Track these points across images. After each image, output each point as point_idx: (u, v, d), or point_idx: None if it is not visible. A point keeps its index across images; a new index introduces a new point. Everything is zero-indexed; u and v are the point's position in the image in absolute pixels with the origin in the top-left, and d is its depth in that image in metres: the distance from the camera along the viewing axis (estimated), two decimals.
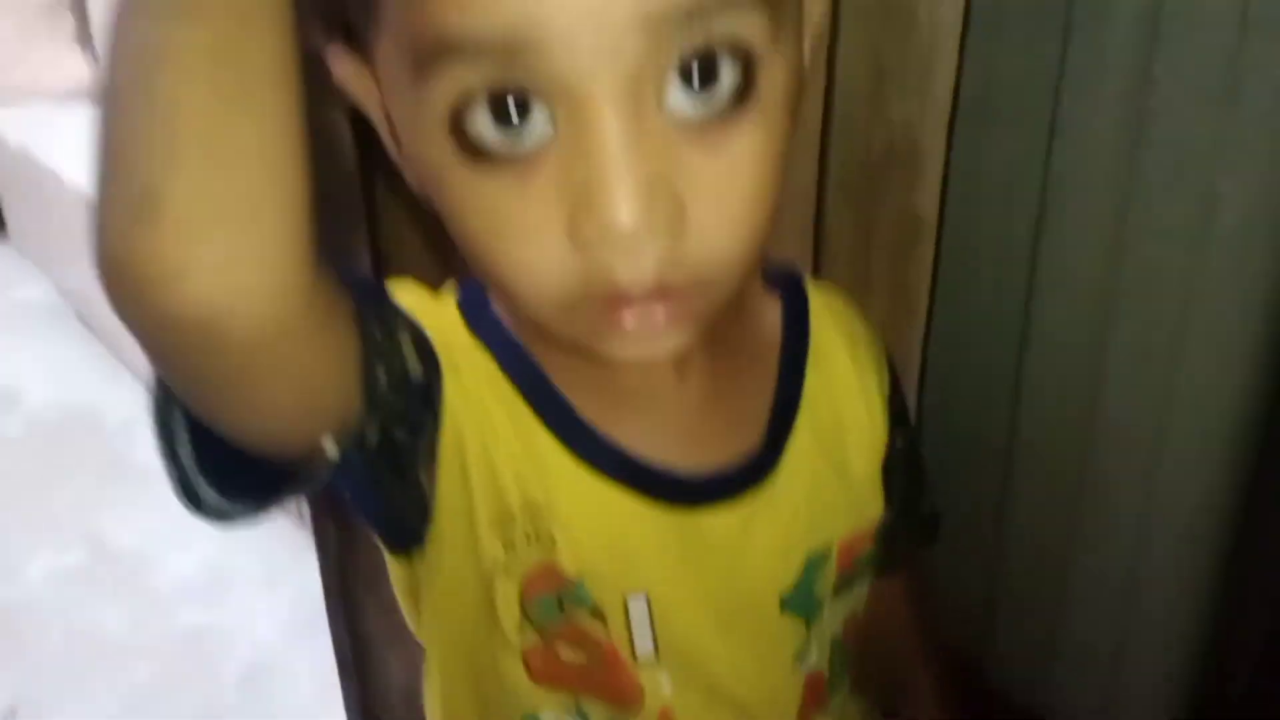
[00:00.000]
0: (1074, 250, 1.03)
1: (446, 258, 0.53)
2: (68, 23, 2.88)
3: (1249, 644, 1.04)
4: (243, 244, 0.29)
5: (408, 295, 0.44)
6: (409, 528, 0.44)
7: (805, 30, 0.40)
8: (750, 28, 0.35)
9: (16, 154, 2.65)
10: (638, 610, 0.44)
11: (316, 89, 0.86)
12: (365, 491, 0.42)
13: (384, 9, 0.35)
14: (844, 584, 0.51)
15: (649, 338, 0.38)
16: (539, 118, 0.34)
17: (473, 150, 0.35)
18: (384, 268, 1.00)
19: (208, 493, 0.35)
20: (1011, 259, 1.07)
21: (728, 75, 0.35)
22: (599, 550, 0.44)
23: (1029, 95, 1.00)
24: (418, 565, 0.45)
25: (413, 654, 0.51)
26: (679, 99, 0.35)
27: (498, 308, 0.46)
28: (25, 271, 2.78)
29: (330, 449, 0.36)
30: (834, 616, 0.51)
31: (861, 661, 0.56)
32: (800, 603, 0.48)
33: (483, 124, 0.34)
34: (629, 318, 0.37)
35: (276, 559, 1.69)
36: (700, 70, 0.35)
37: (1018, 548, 1.17)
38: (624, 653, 0.45)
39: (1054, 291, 1.06)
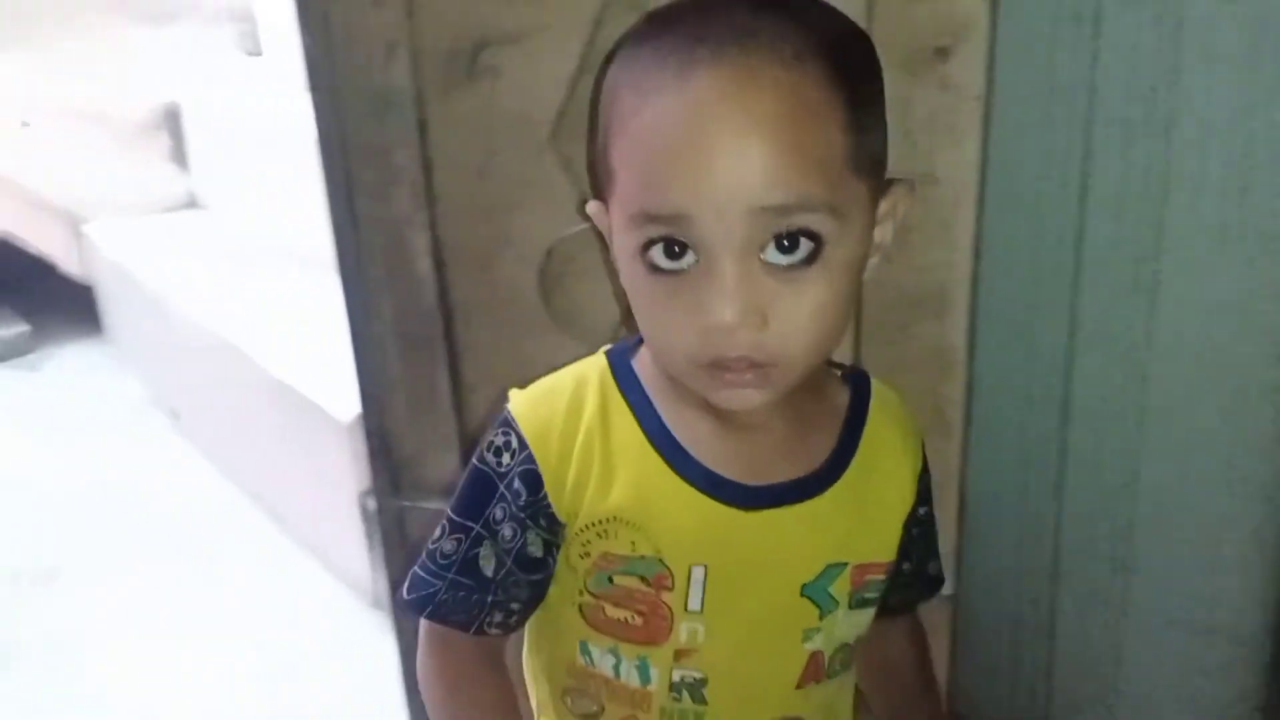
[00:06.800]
0: (1105, 370, 1.08)
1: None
2: (164, 142, 3.07)
3: None
4: None
5: (535, 404, 0.67)
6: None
7: (875, 234, 0.62)
8: (819, 223, 0.55)
9: (114, 264, 2.83)
10: (698, 576, 0.64)
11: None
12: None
13: (617, 188, 0.60)
14: (858, 600, 0.69)
15: (740, 393, 0.59)
16: (689, 256, 0.56)
17: (651, 268, 0.58)
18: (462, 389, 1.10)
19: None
20: (1043, 384, 1.12)
21: (803, 247, 0.56)
22: (680, 534, 0.64)
23: (1051, 233, 1.07)
24: None
25: None
26: (772, 255, 0.55)
27: (639, 368, 0.67)
28: (118, 369, 2.95)
29: None
30: (847, 622, 0.69)
31: (876, 689, 0.79)
32: (816, 593, 0.67)
33: (657, 255, 0.57)
34: (728, 378, 0.58)
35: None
36: (786, 242, 0.55)
37: (1065, 663, 1.20)
38: (677, 606, 0.64)
39: (1087, 404, 1.11)
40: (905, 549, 0.72)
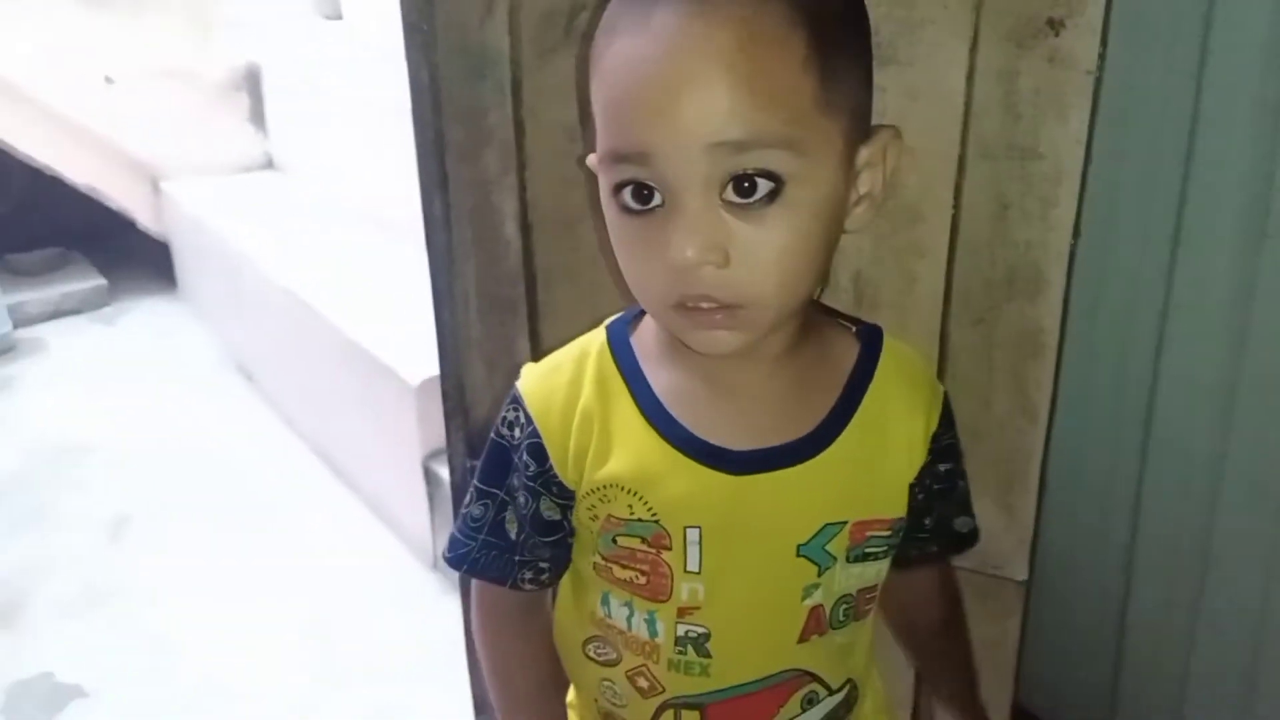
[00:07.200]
0: (1195, 356, 1.06)
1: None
2: (243, 103, 3.11)
3: None
4: None
5: (540, 380, 0.69)
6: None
7: (861, 183, 0.61)
8: (778, 161, 0.55)
9: (191, 221, 2.87)
10: (693, 537, 0.66)
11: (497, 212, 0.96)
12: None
13: (599, 135, 0.60)
14: (858, 555, 0.69)
15: (712, 335, 0.59)
16: (656, 198, 0.57)
17: (624, 209, 0.59)
18: (540, 352, 1.11)
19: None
20: (1133, 366, 1.10)
21: (761, 188, 0.56)
22: (674, 499, 0.65)
23: (1151, 213, 1.04)
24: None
25: None
26: (732, 194, 0.56)
27: (636, 340, 0.69)
28: (192, 325, 3.01)
29: None
30: (848, 576, 0.69)
31: (901, 640, 0.81)
32: (812, 552, 0.67)
33: (628, 197, 0.58)
34: (698, 319, 0.59)
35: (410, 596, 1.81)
36: (745, 184, 0.56)
37: (1139, 641, 1.19)
38: (676, 566, 0.66)
39: (1175, 395, 1.09)
40: (925, 505, 0.72)
